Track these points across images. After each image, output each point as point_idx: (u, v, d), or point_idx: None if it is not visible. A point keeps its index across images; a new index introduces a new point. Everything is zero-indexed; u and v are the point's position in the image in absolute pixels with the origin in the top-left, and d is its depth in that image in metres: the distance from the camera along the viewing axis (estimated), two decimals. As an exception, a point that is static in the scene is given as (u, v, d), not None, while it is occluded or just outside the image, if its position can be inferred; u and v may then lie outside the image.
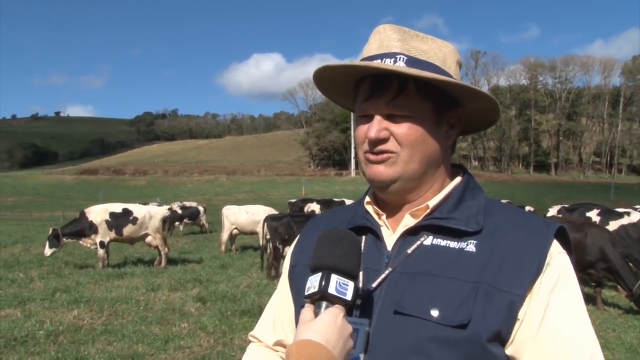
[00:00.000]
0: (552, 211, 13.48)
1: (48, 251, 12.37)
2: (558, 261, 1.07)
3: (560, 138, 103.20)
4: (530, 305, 1.03)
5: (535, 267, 1.05)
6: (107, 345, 6.30)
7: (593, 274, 8.38)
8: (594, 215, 11.55)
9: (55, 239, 12.34)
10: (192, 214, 24.09)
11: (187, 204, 26.46)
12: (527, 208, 16.87)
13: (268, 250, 11.76)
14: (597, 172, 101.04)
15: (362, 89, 1.17)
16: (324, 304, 0.99)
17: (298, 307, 1.21)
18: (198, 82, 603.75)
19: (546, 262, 1.06)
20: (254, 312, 7.47)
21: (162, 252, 12.97)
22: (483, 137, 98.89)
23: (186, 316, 7.67)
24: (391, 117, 1.13)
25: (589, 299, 8.55)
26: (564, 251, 1.10)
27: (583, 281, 9.49)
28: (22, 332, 6.61)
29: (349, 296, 0.99)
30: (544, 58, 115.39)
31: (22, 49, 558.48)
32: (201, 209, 24.68)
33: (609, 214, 11.40)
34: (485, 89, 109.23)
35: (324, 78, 1.23)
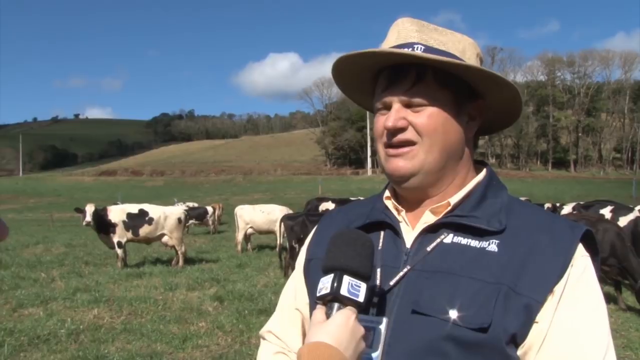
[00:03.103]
0: (567, 208, 13.36)
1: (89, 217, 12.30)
2: (580, 264, 1.04)
3: (580, 134, 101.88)
4: (548, 308, 1.00)
5: (556, 273, 1.02)
6: (127, 344, 6.39)
7: (608, 271, 8.30)
8: (607, 212, 11.44)
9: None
10: (200, 215, 24.15)
11: (191, 204, 26.52)
12: (546, 205, 16.69)
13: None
14: (617, 168, 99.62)
15: (380, 81, 1.15)
16: (336, 305, 0.98)
17: (312, 301, 1.18)
18: (214, 83, 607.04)
19: (569, 267, 1.03)
20: (271, 311, 7.41)
21: (178, 252, 13.06)
22: (500, 134, 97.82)
23: (204, 315, 7.73)
24: (409, 107, 1.11)
25: (610, 299, 8.46)
26: (587, 254, 1.07)
27: (603, 280, 9.40)
28: (44, 331, 6.72)
29: (361, 298, 0.98)
30: (562, 53, 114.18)
31: (43, 54, 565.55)
32: (209, 209, 24.72)
33: (620, 210, 11.30)
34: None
35: (343, 72, 1.21)
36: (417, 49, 1.10)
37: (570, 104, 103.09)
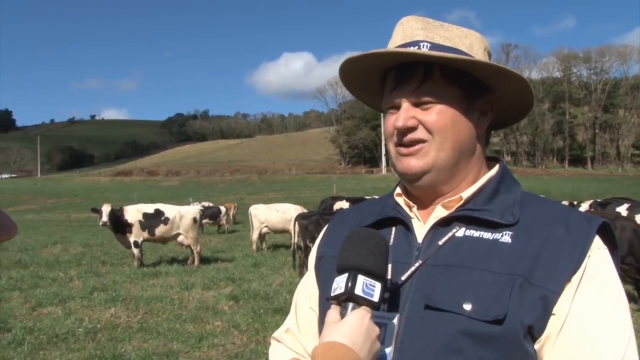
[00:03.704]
0: (585, 206, 13.24)
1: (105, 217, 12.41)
2: (597, 256, 1.02)
3: (597, 131, 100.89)
4: (565, 299, 0.98)
5: (573, 264, 0.99)
6: (143, 343, 6.44)
7: (627, 270, 8.19)
8: (623, 209, 11.32)
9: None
10: (213, 214, 24.25)
11: (207, 204, 26.64)
12: (563, 203, 16.52)
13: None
14: (636, 165, 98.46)
15: (388, 82, 1.15)
16: (351, 305, 0.97)
17: (324, 299, 1.17)
18: (228, 83, 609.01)
19: (586, 258, 1.00)
20: (287, 310, 7.47)
21: (194, 251, 13.13)
22: (516, 132, 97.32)
23: (219, 314, 7.77)
24: (419, 105, 1.10)
25: (630, 298, 8.36)
26: (605, 247, 1.05)
27: (622, 279, 9.29)
28: (62, 330, 6.80)
29: (375, 297, 0.97)
30: (578, 49, 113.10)
31: (59, 57, 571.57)
32: (222, 209, 24.83)
33: (637, 208, 11.17)
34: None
35: (350, 74, 1.20)
36: (423, 47, 1.09)
37: (587, 101, 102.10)
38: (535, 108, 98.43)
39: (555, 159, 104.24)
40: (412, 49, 1.09)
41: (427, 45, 1.09)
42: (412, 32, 1.12)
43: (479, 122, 1.15)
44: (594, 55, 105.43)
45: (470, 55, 1.10)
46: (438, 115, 1.09)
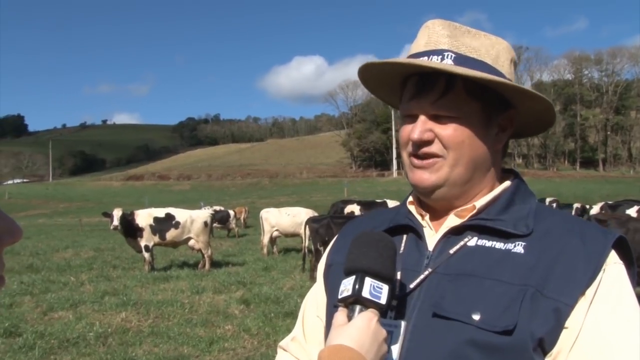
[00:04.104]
0: (596, 208, 13.17)
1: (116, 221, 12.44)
2: (612, 271, 0.99)
3: (608, 133, 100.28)
4: (578, 313, 0.96)
5: (587, 277, 0.97)
6: (154, 347, 6.45)
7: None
8: (633, 212, 11.21)
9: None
10: (223, 218, 24.26)
11: (218, 208, 26.65)
12: (575, 205, 16.41)
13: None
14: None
15: (408, 87, 1.11)
16: (358, 307, 0.96)
17: (331, 307, 1.15)
18: (239, 87, 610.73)
19: (601, 272, 0.98)
20: (297, 314, 7.47)
21: (205, 255, 13.15)
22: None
23: (230, 318, 7.76)
24: (437, 118, 1.07)
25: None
26: (621, 262, 1.02)
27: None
28: (73, 334, 6.82)
29: (383, 300, 0.96)
30: (589, 51, 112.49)
31: (71, 62, 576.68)
32: (231, 213, 24.85)
33: None
34: (528, 85, 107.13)
35: (369, 76, 1.18)
36: (447, 57, 1.06)
37: (598, 102, 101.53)
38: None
39: (566, 161, 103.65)
40: (435, 61, 1.06)
41: (451, 56, 1.06)
42: (437, 39, 1.08)
43: (497, 137, 1.12)
44: (605, 57, 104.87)
45: (496, 68, 1.08)
46: (456, 131, 1.06)
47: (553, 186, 60.67)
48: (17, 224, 0.62)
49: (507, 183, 1.15)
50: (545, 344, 0.96)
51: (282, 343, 1.30)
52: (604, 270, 0.99)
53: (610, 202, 13.64)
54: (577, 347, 0.95)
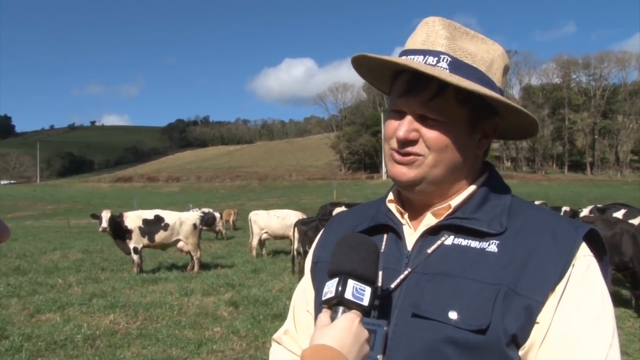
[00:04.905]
0: (585, 211, 13.30)
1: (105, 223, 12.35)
2: (582, 265, 1.03)
3: (596, 136, 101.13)
4: (549, 309, 1.00)
5: (557, 274, 1.01)
6: (142, 349, 6.43)
7: (626, 275, 8.12)
8: (620, 215, 11.34)
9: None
10: (209, 220, 24.13)
11: (206, 210, 26.48)
12: (564, 209, 16.50)
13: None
14: (635, 170, 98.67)
15: (399, 83, 1.12)
16: (341, 309, 0.98)
17: (319, 304, 1.17)
18: (229, 89, 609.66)
19: (570, 267, 1.02)
20: (286, 316, 7.46)
21: (194, 258, 13.12)
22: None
23: (219, 320, 7.76)
24: (423, 119, 1.09)
25: (619, 302, 8.34)
26: (591, 254, 1.06)
27: (620, 283, 9.26)
28: (61, 336, 6.79)
29: (365, 301, 0.98)
30: (577, 55, 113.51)
31: (60, 62, 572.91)
32: (217, 215, 24.75)
33: (632, 213, 11.21)
34: (517, 88, 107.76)
35: (362, 64, 1.19)
36: (442, 60, 1.07)
37: (586, 106, 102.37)
38: (535, 114, 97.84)
39: (554, 165, 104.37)
40: (431, 61, 1.08)
41: (447, 60, 1.07)
42: (435, 39, 1.10)
43: (480, 143, 1.15)
44: (593, 62, 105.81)
45: (488, 76, 1.10)
46: (441, 135, 1.08)
47: (541, 189, 60.99)
48: (5, 224, 0.62)
49: (482, 178, 1.18)
50: (519, 339, 1.00)
51: (275, 336, 1.34)
52: (574, 265, 1.03)
53: (599, 206, 13.80)
54: (547, 342, 0.99)
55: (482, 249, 1.07)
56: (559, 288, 1.01)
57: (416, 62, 1.08)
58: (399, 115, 1.11)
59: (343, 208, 18.23)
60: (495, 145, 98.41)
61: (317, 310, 1.18)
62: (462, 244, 1.09)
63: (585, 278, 1.03)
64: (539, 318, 1.00)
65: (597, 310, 1.01)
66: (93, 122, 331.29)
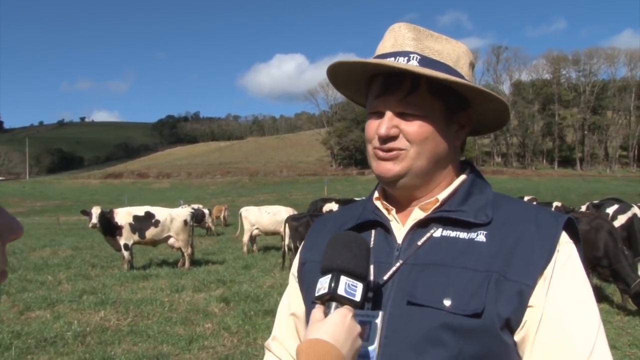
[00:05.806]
0: (583, 208, 13.49)
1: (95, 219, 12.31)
2: (565, 250, 1.09)
3: (585, 132, 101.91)
4: (540, 292, 1.04)
5: (544, 259, 1.06)
6: (133, 346, 6.42)
7: (601, 273, 8.08)
8: (611, 210, 11.43)
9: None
10: (198, 217, 24.11)
11: (196, 206, 26.44)
12: (555, 204, 16.64)
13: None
14: (624, 166, 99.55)
15: (374, 86, 1.18)
16: (334, 304, 1.01)
17: (308, 304, 1.22)
18: (220, 84, 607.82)
19: (555, 252, 1.07)
20: (277, 312, 7.49)
21: (185, 254, 13.10)
22: (506, 133, 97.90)
23: (210, 316, 7.75)
24: (402, 115, 1.14)
25: (608, 296, 8.39)
26: (571, 241, 1.12)
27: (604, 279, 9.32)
28: (51, 333, 6.76)
29: (357, 297, 1.01)
30: (567, 51, 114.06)
31: (49, 58, 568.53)
32: (206, 211, 24.71)
33: (623, 208, 11.30)
34: (507, 84, 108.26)
35: (338, 74, 1.24)
36: (412, 59, 1.13)
37: (576, 102, 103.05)
38: (525, 110, 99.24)
39: (545, 160, 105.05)
40: (402, 61, 1.13)
41: (416, 58, 1.13)
42: (403, 41, 1.15)
43: (457, 134, 1.21)
44: (582, 58, 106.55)
45: (456, 70, 1.16)
46: (420, 128, 1.13)
47: (532, 185, 61.40)
48: (17, 221, 0.63)
49: (463, 176, 1.23)
50: (512, 323, 1.05)
51: (266, 343, 1.37)
52: (558, 250, 1.08)
53: (595, 202, 14.00)
54: (544, 325, 1.04)
55: (471, 239, 1.12)
56: (547, 272, 1.06)
57: (389, 61, 1.13)
58: (378, 115, 1.17)
59: (333, 204, 18.27)
60: (485, 140, 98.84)
61: (308, 309, 1.22)
62: (451, 235, 1.14)
63: (569, 262, 1.09)
64: (531, 301, 1.04)
65: (584, 293, 1.08)
66: (83, 118, 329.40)
